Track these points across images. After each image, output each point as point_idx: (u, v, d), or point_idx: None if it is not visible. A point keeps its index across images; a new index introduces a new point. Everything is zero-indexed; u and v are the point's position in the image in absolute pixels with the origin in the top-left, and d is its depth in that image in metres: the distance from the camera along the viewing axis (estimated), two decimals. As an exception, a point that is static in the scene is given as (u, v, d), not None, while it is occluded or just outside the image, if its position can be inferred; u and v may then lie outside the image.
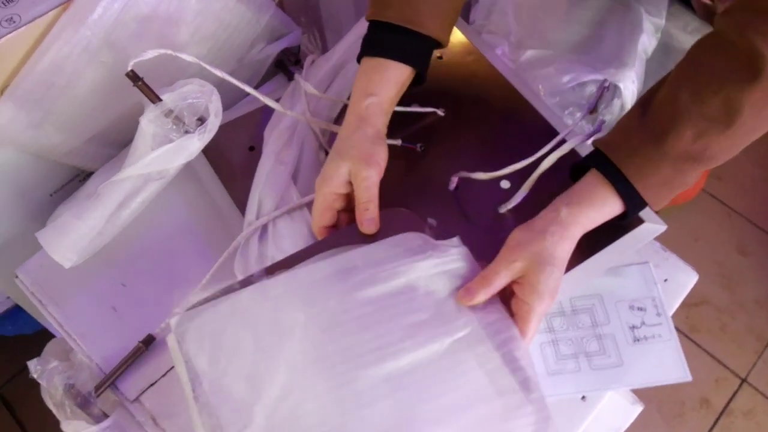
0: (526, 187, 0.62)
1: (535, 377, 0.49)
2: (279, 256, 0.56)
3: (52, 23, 0.57)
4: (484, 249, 0.61)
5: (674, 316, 0.66)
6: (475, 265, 0.54)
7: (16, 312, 1.02)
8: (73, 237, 0.59)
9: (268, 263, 0.55)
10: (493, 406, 0.48)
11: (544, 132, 0.68)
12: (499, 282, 0.52)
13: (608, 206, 0.56)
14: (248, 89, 0.59)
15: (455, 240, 0.55)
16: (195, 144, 0.56)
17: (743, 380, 1.36)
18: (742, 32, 0.48)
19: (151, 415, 0.57)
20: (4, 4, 0.57)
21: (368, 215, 0.55)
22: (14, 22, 0.56)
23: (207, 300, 0.51)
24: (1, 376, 1.34)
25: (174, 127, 0.57)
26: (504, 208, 0.64)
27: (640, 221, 0.63)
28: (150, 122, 0.55)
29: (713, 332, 1.41)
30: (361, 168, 0.55)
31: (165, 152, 0.56)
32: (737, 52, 0.49)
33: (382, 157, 0.57)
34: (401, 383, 0.47)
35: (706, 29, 0.80)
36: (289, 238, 0.60)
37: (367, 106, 0.58)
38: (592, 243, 0.62)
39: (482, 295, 0.51)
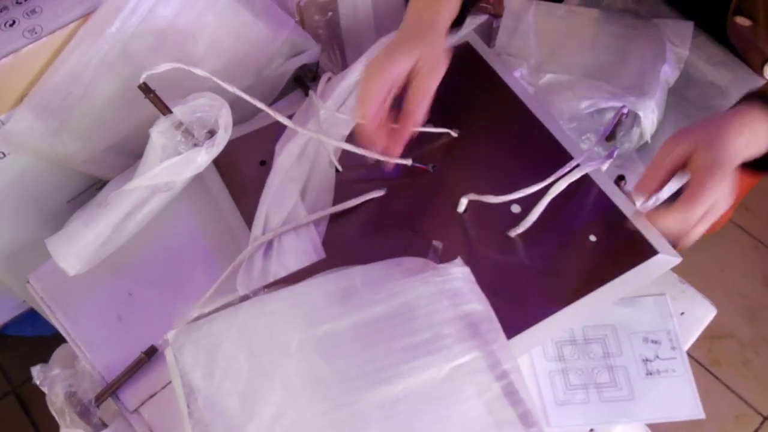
0: (537, 212, 0.61)
1: (534, 411, 0.47)
2: (282, 273, 0.56)
3: (72, 34, 0.59)
4: (491, 273, 0.61)
5: (695, 349, 0.64)
6: (476, 286, 0.53)
7: (35, 313, 1.03)
8: (80, 245, 0.59)
9: (271, 279, 0.54)
10: None
11: (558, 157, 0.68)
12: (666, 165, 0.53)
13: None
14: (259, 104, 0.60)
15: (457, 260, 0.54)
16: (203, 157, 0.56)
17: (765, 418, 1.32)
18: None
19: (149, 426, 0.57)
20: (27, 15, 0.58)
21: (414, 118, 0.57)
22: (36, 32, 0.58)
23: (207, 314, 0.51)
24: (18, 376, 1.36)
25: (183, 139, 0.57)
26: (514, 233, 0.63)
27: (654, 252, 0.62)
28: (160, 134, 0.56)
29: (735, 367, 1.37)
30: (434, 59, 0.56)
31: (173, 164, 0.56)
32: None
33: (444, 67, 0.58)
34: (397, 409, 0.46)
35: (732, 62, 0.78)
36: (293, 255, 0.60)
37: (435, 19, 0.58)
38: (603, 272, 0.61)
39: (653, 182, 0.54)
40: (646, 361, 0.64)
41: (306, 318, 0.50)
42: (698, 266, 1.48)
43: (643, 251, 0.62)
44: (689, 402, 0.62)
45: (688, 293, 0.68)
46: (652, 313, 0.66)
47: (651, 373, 0.63)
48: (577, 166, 0.64)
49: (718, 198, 0.55)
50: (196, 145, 0.57)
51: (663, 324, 0.66)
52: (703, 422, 0.61)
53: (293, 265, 0.59)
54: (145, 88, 0.56)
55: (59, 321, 0.64)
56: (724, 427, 1.29)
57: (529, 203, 0.62)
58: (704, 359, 1.37)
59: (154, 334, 0.62)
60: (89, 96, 0.62)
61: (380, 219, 0.65)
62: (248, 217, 0.65)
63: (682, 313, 0.67)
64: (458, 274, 0.52)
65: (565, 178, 0.60)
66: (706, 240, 1.54)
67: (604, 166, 0.67)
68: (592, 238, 0.63)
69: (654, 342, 0.65)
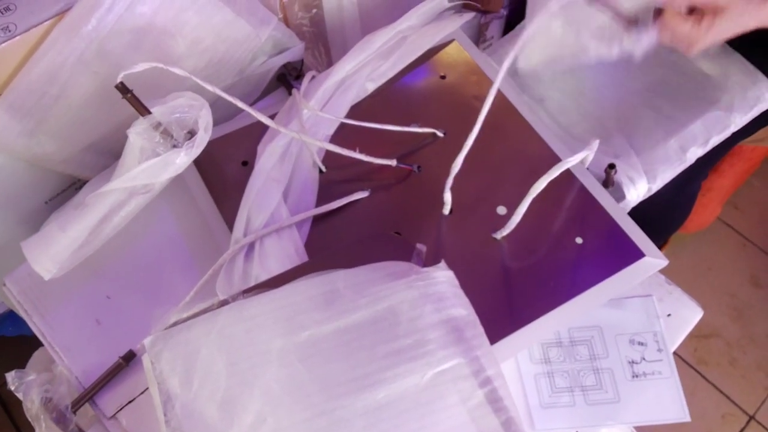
0: (520, 213, 0.61)
1: (518, 418, 0.47)
2: (264, 276, 0.55)
3: (48, 33, 0.57)
4: (477, 275, 0.60)
5: (682, 348, 0.64)
6: (460, 290, 0.52)
7: (16, 314, 1.02)
8: (56, 248, 0.58)
9: (253, 283, 0.54)
10: None
11: (545, 157, 0.67)
12: None
13: None
14: (240, 104, 0.59)
15: (441, 264, 0.53)
16: (182, 159, 0.55)
17: (751, 417, 1.32)
18: None
19: (126, 433, 0.56)
20: (0, 12, 0.57)
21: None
22: (10, 31, 0.56)
23: (185, 320, 0.50)
24: (1, 377, 1.34)
25: (162, 140, 0.56)
26: (499, 234, 0.62)
27: (641, 255, 0.61)
28: (138, 135, 0.55)
29: (722, 366, 1.37)
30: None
31: (151, 166, 0.55)
32: None
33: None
34: (380, 416, 0.45)
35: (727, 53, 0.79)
36: (275, 258, 0.59)
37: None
38: (589, 275, 0.60)
39: None
40: (632, 363, 0.64)
41: (287, 323, 0.49)
42: (686, 265, 1.48)
43: (630, 254, 0.61)
44: (675, 405, 0.62)
45: (675, 294, 0.68)
46: (639, 315, 0.66)
47: (637, 376, 0.63)
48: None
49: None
50: (175, 146, 0.56)
51: (650, 325, 0.65)
52: (689, 422, 0.61)
53: (275, 268, 0.58)
54: (123, 88, 0.55)
55: (36, 324, 0.63)
56: (710, 427, 1.29)
57: (515, 205, 0.61)
58: (691, 358, 1.38)
59: (134, 339, 0.61)
60: (66, 95, 0.61)
61: (364, 221, 0.64)
62: (229, 219, 0.64)
63: (669, 315, 0.67)
64: (442, 277, 0.51)
65: (546, 175, 0.59)
66: (694, 238, 1.54)
67: (587, 161, 0.66)
68: (579, 240, 0.63)
69: (640, 344, 0.65)
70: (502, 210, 0.64)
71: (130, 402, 0.59)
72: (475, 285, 0.54)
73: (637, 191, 0.72)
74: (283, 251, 0.60)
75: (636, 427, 0.63)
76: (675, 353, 0.64)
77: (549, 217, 0.64)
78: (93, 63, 0.60)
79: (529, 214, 0.61)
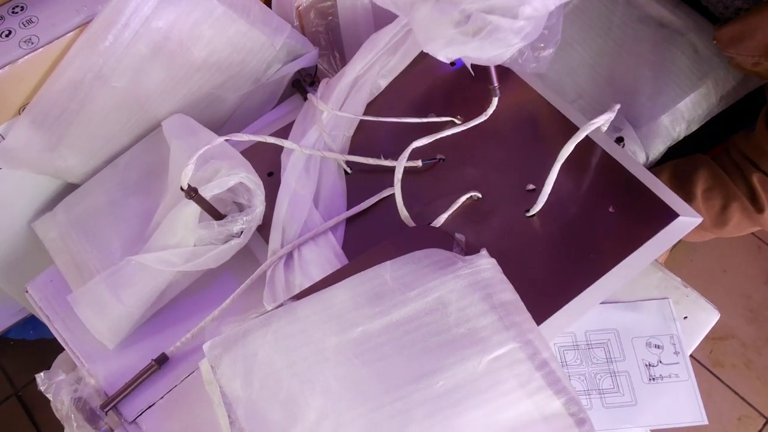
0: (549, 183, 0.60)
1: (577, 398, 0.47)
2: (306, 283, 0.56)
3: (69, 45, 0.58)
4: (517, 257, 0.60)
5: (697, 350, 0.64)
6: (503, 276, 0.52)
7: (37, 317, 1.03)
8: (114, 320, 0.60)
9: (296, 291, 0.54)
10: (538, 429, 0.46)
11: (565, 128, 0.67)
12: None
13: None
14: (256, 138, 0.60)
15: (483, 252, 0.53)
16: (240, 241, 0.59)
17: (768, 419, 1.31)
18: None
19: (148, 438, 0.57)
20: (23, 25, 0.58)
21: None
22: (32, 43, 0.57)
23: (238, 325, 0.51)
24: (21, 380, 1.35)
25: (220, 229, 0.58)
26: (533, 211, 0.62)
27: (675, 215, 0.61)
28: (203, 228, 0.57)
29: (738, 368, 1.36)
30: None
31: (217, 254, 0.58)
32: None
33: None
34: (439, 405, 0.46)
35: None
36: (315, 265, 0.59)
37: None
38: (627, 241, 0.60)
39: None
40: (649, 366, 0.64)
41: (339, 321, 0.50)
42: (701, 267, 1.47)
43: (664, 215, 0.61)
44: (692, 408, 0.62)
45: (691, 297, 0.68)
46: (655, 317, 0.66)
47: (654, 379, 0.63)
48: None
49: None
50: (229, 231, 0.59)
51: (666, 328, 0.65)
52: (706, 424, 0.61)
53: (316, 273, 0.58)
54: (189, 190, 0.54)
55: (57, 330, 0.64)
56: (726, 429, 1.28)
57: (543, 179, 0.61)
58: (706, 361, 1.37)
59: (155, 345, 0.62)
60: (86, 110, 0.62)
61: (396, 217, 0.64)
62: (263, 232, 0.64)
63: (685, 317, 0.66)
64: (486, 265, 0.52)
65: (572, 139, 0.58)
66: (710, 241, 1.53)
67: (605, 126, 0.65)
68: (611, 209, 0.62)
69: (657, 347, 0.65)
70: (530, 187, 0.64)
71: (150, 407, 0.59)
72: (516, 267, 0.53)
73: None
74: (322, 257, 0.60)
75: (653, 431, 0.63)
76: (690, 356, 0.64)
77: (578, 189, 0.64)
78: (111, 78, 0.60)
79: (558, 189, 0.61)
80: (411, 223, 0.61)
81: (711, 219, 0.77)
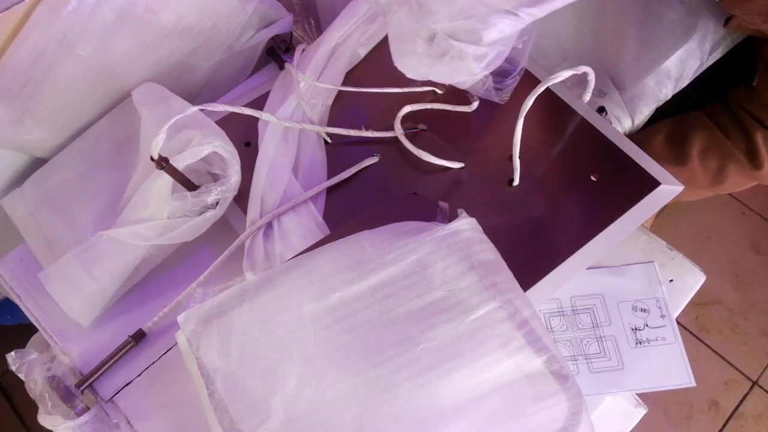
0: (517, 143, 0.60)
1: (559, 355, 0.46)
2: (288, 253, 0.55)
3: (30, 12, 0.55)
4: (500, 224, 0.60)
5: (683, 316, 0.63)
6: (484, 235, 0.51)
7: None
8: (88, 297, 0.58)
9: (276, 261, 0.53)
10: (520, 388, 0.45)
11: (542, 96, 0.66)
12: None
13: None
14: (230, 108, 0.58)
15: (462, 213, 0.52)
16: (216, 213, 0.57)
17: (754, 383, 1.32)
18: None
19: (125, 416, 0.55)
20: (-25, -10, 0.55)
21: None
22: (-13, 10, 0.54)
23: (213, 295, 0.49)
24: (1, 365, 1.34)
25: (194, 200, 0.56)
26: (515, 179, 0.62)
27: (657, 183, 0.61)
28: (176, 200, 0.55)
29: (724, 333, 1.37)
30: None
31: (191, 227, 0.56)
32: None
33: None
34: (420, 367, 0.45)
35: None
36: (296, 235, 0.58)
37: None
38: (609, 210, 0.61)
39: None
40: (635, 330, 0.63)
41: (316, 287, 0.48)
42: (686, 233, 1.47)
43: (646, 183, 0.62)
44: (679, 370, 0.61)
45: (676, 260, 0.67)
46: (641, 281, 0.66)
47: (640, 342, 0.63)
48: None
49: None
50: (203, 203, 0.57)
51: (652, 292, 0.65)
52: (693, 389, 0.61)
53: (297, 243, 0.57)
54: (160, 160, 0.52)
55: (28, 309, 0.62)
56: (713, 393, 1.30)
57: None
58: (693, 326, 1.38)
59: (132, 322, 0.60)
60: (51, 80, 0.59)
61: (378, 186, 0.63)
62: (241, 203, 0.63)
63: (671, 281, 0.66)
64: (465, 225, 0.51)
65: (531, 95, 0.57)
66: (694, 206, 1.54)
67: (587, 94, 0.65)
68: (594, 178, 0.63)
69: (643, 310, 0.64)
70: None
71: (127, 384, 0.58)
72: (500, 237, 0.53)
73: (623, 129, 0.74)
74: (303, 226, 0.59)
75: (639, 395, 0.63)
76: (677, 321, 0.64)
77: (561, 159, 0.64)
78: (76, 45, 0.58)
79: (542, 159, 0.61)
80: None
81: (708, 179, 0.76)
